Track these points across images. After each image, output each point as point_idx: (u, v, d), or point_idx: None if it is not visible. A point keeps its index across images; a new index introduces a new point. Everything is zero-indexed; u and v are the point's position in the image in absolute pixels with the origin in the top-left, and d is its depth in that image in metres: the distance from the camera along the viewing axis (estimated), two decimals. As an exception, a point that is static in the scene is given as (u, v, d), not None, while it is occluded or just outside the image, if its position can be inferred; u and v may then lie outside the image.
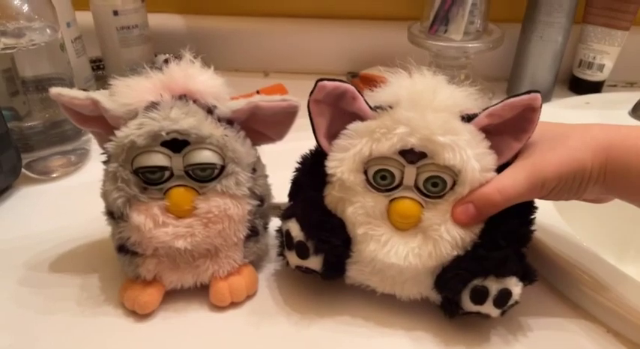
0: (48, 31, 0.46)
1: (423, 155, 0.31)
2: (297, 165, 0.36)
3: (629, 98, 0.59)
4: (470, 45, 0.58)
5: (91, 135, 0.53)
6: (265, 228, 0.38)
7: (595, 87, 0.64)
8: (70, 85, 0.49)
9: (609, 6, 0.60)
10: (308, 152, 0.36)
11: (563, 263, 0.36)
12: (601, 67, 0.63)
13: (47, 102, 0.47)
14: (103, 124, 0.34)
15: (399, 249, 0.31)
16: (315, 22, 0.71)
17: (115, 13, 0.58)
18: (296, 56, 0.72)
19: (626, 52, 0.63)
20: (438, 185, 0.31)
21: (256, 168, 0.35)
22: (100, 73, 0.67)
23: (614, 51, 0.62)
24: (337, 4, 0.71)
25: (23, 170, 0.49)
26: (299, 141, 0.35)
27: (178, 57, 0.34)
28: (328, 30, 0.70)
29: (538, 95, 0.30)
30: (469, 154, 0.30)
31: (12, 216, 0.45)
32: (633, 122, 0.57)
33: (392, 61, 0.34)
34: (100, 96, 0.33)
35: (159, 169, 0.32)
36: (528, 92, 0.30)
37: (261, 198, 0.36)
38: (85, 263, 0.39)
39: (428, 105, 0.30)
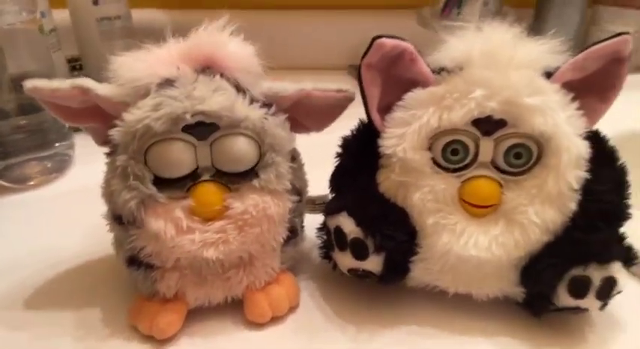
0: (24, 14, 0.39)
1: (501, 124, 0.26)
2: (339, 150, 0.31)
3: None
4: (486, 26, 0.54)
5: (74, 141, 0.46)
6: (302, 227, 0.32)
7: (610, 70, 0.62)
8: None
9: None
10: (350, 133, 0.31)
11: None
12: (616, 48, 0.60)
13: (26, 103, 0.41)
14: (99, 116, 0.27)
15: (479, 238, 0.26)
16: (311, 13, 0.66)
17: (95, 2, 0.51)
18: (292, 51, 0.66)
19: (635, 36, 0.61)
20: (522, 156, 0.26)
21: (295, 156, 0.30)
22: (77, 73, 0.60)
23: (629, 31, 0.59)
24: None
25: (-5, 179, 0.41)
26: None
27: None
28: (325, 21, 0.66)
29: (628, 38, 0.25)
30: (561, 117, 0.25)
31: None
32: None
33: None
34: (90, 82, 0.26)
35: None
36: (618, 34, 0.25)
37: (300, 191, 0.30)
38: (80, 288, 0.32)
39: (508, 61, 0.25)
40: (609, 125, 0.48)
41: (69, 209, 0.40)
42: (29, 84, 0.26)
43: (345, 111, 0.31)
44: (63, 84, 0.27)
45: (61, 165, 0.45)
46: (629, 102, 0.53)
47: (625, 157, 0.47)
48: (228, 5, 0.67)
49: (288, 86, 0.29)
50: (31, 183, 0.43)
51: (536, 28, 0.59)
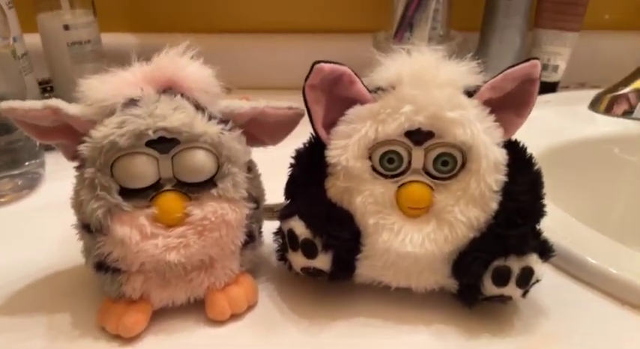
0: (-4, 39, 0.41)
1: (429, 135, 0.30)
2: (292, 161, 0.34)
3: (587, 95, 0.62)
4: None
5: (44, 159, 0.48)
6: (260, 232, 0.35)
7: (551, 88, 0.67)
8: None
9: (559, 9, 0.63)
10: (302, 146, 0.34)
11: (567, 245, 0.36)
12: (555, 68, 0.66)
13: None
14: (69, 134, 0.30)
15: (414, 236, 0.30)
16: (276, 37, 0.70)
17: (66, 27, 0.54)
18: (259, 72, 0.70)
19: (575, 54, 0.66)
20: (448, 163, 0.30)
21: (251, 167, 0.33)
22: (48, 95, 0.62)
23: (566, 52, 0.65)
24: (300, 18, 0.70)
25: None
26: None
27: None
28: (291, 44, 0.70)
29: (537, 62, 0.30)
30: (479, 128, 0.29)
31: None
32: (593, 115, 0.60)
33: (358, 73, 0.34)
34: (60, 102, 0.29)
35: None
36: (528, 60, 0.30)
37: (257, 199, 0.33)
38: (51, 296, 0.34)
39: (432, 81, 0.29)
40: (553, 136, 0.53)
41: (39, 223, 0.41)
42: (5, 105, 0.29)
43: (297, 126, 0.34)
44: (36, 104, 0.29)
45: (31, 183, 0.47)
46: (571, 113, 0.59)
47: (570, 164, 0.52)
48: (196, 29, 0.71)
49: (243, 104, 0.32)
50: (2, 199, 0.44)
51: (481, 50, 0.64)
